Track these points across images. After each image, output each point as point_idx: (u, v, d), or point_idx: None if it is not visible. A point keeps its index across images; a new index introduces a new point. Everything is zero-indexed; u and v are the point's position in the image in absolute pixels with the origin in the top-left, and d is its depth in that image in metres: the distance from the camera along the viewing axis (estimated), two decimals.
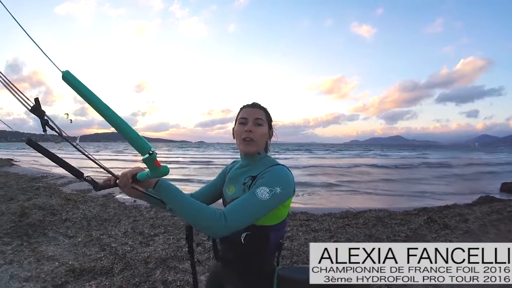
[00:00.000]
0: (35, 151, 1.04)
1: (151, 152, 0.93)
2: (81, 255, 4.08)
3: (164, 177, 1.08)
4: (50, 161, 1.08)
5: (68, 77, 0.87)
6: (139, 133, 0.92)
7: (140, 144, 0.92)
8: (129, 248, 4.31)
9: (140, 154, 0.94)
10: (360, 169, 23.99)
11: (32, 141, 1.01)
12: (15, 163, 21.93)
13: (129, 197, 7.69)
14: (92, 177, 1.13)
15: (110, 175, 1.18)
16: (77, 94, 0.87)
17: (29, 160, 27.25)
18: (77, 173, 1.10)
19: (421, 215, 6.08)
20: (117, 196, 7.92)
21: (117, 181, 1.15)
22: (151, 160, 0.95)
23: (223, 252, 1.40)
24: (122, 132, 0.91)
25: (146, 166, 1.01)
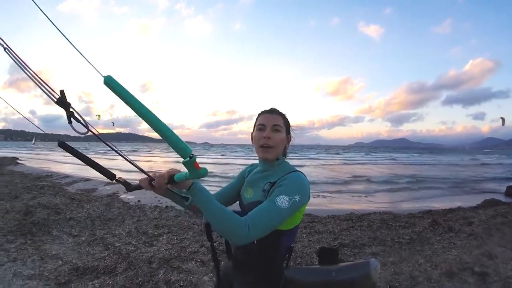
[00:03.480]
0: (67, 152, 1.05)
1: (191, 155, 0.94)
2: (85, 254, 4.09)
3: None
4: (83, 162, 1.09)
5: (110, 82, 0.87)
6: (179, 137, 0.93)
7: (182, 147, 0.92)
8: (132, 248, 4.32)
9: (181, 157, 0.95)
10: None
11: (64, 143, 1.03)
12: (20, 161, 22.08)
13: (132, 196, 7.76)
14: (123, 178, 1.15)
15: (144, 175, 1.17)
16: (120, 99, 0.88)
17: (34, 158, 27.41)
18: (109, 175, 1.12)
19: (426, 218, 6.05)
20: (121, 196, 7.96)
21: (153, 182, 1.14)
22: (191, 163, 0.95)
23: (234, 252, 1.41)
24: (164, 136, 0.91)
25: (183, 168, 1.01)
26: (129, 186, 1.16)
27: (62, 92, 0.94)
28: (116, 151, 1.14)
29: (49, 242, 4.48)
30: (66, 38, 0.87)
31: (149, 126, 0.90)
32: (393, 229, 5.31)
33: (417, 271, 3.54)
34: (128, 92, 0.88)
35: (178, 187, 1.14)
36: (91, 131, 1.01)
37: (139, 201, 7.44)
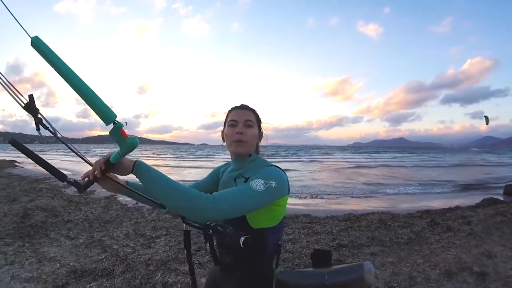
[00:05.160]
0: (19, 151, 0.99)
1: (116, 121, 0.89)
2: (83, 257, 4.08)
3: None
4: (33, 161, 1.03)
5: (37, 43, 0.85)
6: (106, 104, 0.89)
7: (105, 112, 0.88)
8: (130, 250, 4.31)
9: (105, 124, 0.89)
10: None
11: (15, 141, 0.97)
12: (18, 164, 22.01)
13: (131, 198, 7.74)
14: (75, 179, 1.07)
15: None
16: (47, 62, 0.86)
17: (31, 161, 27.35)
18: (60, 176, 1.04)
19: (424, 217, 6.04)
20: (119, 198, 7.94)
21: (95, 173, 1.07)
22: (116, 130, 0.90)
23: (221, 256, 1.38)
24: (88, 101, 0.87)
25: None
26: (80, 187, 1.07)
27: (30, 97, 0.90)
28: (75, 153, 1.09)
29: (47, 244, 4.47)
30: None
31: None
32: (392, 229, 5.30)
33: (415, 271, 3.54)
34: (55, 54, 0.86)
35: (120, 171, 1.08)
36: (59, 139, 0.98)
37: (137, 203, 7.43)
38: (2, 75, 0.88)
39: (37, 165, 0.98)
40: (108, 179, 1.13)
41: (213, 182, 1.49)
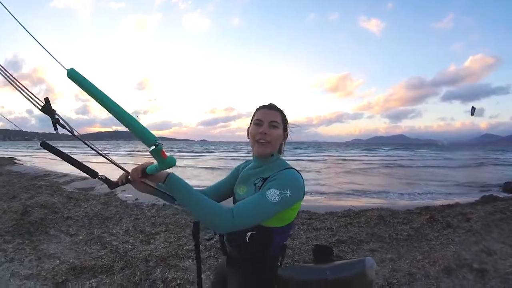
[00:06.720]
0: (49, 152, 1.07)
1: (157, 143, 0.94)
2: (82, 253, 4.08)
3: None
4: (65, 161, 1.11)
5: (73, 75, 0.88)
6: (144, 126, 0.94)
7: (146, 136, 0.93)
8: (130, 246, 4.31)
9: (146, 146, 0.96)
10: None
11: (46, 143, 1.03)
12: (17, 161, 22.01)
13: (130, 195, 7.73)
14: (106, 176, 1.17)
15: (122, 172, 1.20)
16: (83, 91, 0.89)
17: (31, 159, 27.32)
18: (92, 173, 1.13)
19: (424, 214, 6.05)
20: (119, 195, 7.94)
21: (129, 177, 1.16)
22: (157, 151, 0.96)
23: (229, 249, 1.41)
24: (129, 125, 0.92)
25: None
26: (111, 183, 1.17)
27: (46, 99, 0.95)
28: (98, 153, 1.16)
29: (46, 241, 4.48)
30: (30, 34, 0.88)
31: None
32: (391, 225, 5.31)
33: (415, 268, 3.55)
34: (92, 84, 0.89)
35: (154, 180, 1.15)
36: (77, 137, 1.04)
37: (136, 199, 7.43)
38: (20, 83, 0.94)
39: (64, 162, 1.09)
40: (142, 184, 1.20)
41: (233, 180, 1.52)
